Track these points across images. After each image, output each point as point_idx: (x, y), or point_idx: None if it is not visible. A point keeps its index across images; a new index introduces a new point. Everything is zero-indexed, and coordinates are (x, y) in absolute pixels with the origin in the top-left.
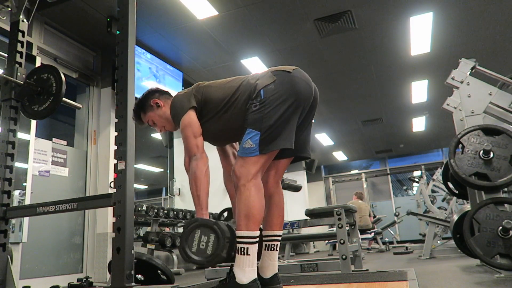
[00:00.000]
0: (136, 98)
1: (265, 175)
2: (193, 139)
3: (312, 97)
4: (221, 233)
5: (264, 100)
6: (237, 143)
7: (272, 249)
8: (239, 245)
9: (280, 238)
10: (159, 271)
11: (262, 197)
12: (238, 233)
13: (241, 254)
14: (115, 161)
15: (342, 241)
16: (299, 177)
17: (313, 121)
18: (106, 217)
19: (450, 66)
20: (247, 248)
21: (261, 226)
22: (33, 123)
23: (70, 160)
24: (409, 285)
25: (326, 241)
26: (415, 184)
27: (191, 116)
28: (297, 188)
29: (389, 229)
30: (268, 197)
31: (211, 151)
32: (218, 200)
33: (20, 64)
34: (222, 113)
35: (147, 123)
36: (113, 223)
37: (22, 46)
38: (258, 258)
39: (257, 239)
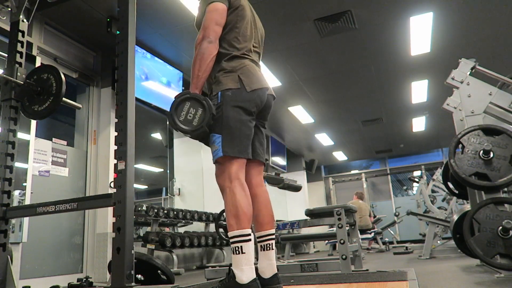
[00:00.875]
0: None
1: (247, 177)
2: (214, 25)
3: (263, 107)
4: (208, 108)
5: (221, 105)
6: None
7: (268, 248)
8: (233, 245)
9: (273, 237)
10: (159, 271)
11: (247, 195)
12: (230, 233)
13: (236, 254)
14: (115, 161)
15: (342, 241)
16: (299, 177)
17: (265, 128)
18: (106, 217)
19: (450, 66)
20: (241, 247)
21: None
22: (33, 123)
23: (70, 160)
24: (409, 285)
25: (326, 241)
26: (415, 184)
27: (223, 7)
28: (297, 188)
29: (389, 229)
30: (253, 197)
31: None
32: (218, 200)
33: (20, 64)
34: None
35: None
36: (113, 223)
37: (22, 46)
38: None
39: (250, 237)
